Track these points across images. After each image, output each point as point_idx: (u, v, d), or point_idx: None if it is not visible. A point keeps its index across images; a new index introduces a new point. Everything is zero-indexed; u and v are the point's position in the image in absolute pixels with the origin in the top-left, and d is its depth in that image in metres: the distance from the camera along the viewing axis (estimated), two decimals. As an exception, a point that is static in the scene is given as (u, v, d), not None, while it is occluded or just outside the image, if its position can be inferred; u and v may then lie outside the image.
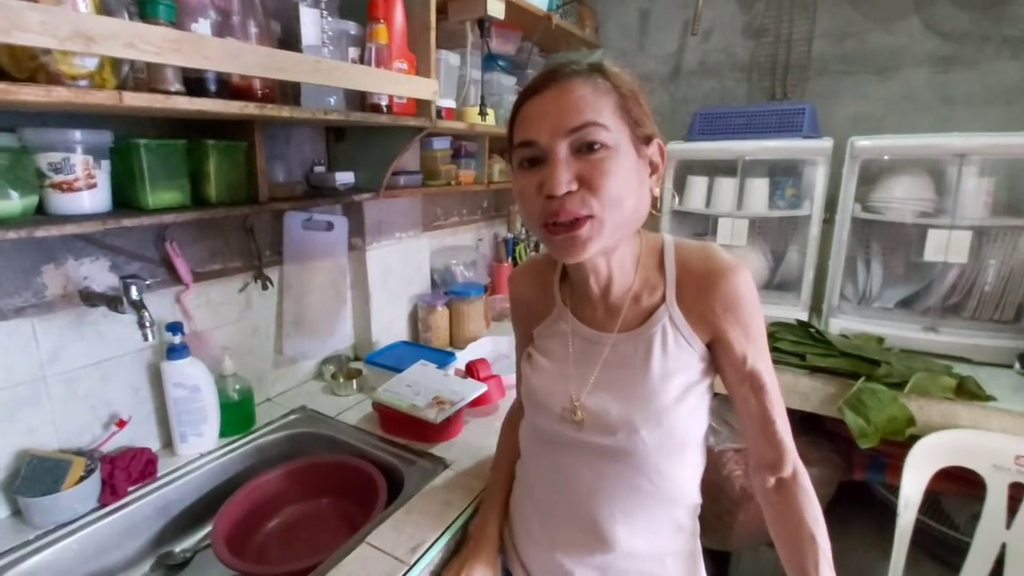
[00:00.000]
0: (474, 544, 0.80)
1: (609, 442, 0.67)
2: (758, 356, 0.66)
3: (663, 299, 0.68)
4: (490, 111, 1.45)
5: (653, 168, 0.66)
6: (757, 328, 0.66)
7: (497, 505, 0.84)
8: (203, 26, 0.80)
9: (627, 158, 0.60)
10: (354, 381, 1.30)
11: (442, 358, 1.35)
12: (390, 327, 1.51)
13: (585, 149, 0.59)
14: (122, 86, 0.72)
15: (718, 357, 0.68)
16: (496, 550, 0.81)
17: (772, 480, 0.69)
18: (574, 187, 0.59)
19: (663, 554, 0.72)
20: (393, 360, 1.32)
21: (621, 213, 0.61)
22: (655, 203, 0.67)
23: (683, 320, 0.67)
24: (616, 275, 0.69)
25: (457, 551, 0.85)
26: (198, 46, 0.70)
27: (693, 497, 0.73)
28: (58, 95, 0.62)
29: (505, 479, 0.86)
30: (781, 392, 0.68)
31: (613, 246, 0.65)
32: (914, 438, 1.14)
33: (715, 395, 0.72)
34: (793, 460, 0.68)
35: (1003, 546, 1.09)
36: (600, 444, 0.68)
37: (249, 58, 0.77)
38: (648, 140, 0.64)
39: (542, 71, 0.63)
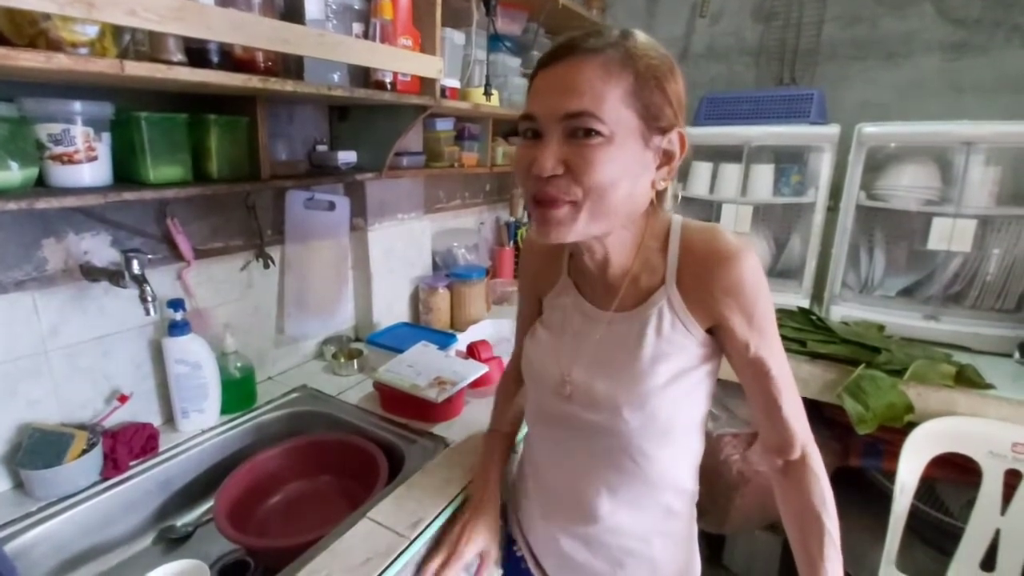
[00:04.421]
0: (475, 506, 0.81)
1: (596, 418, 0.68)
2: (762, 344, 0.64)
3: (663, 281, 0.66)
4: (495, 92, 1.43)
5: (667, 158, 0.62)
6: (762, 314, 0.63)
7: (496, 466, 0.85)
8: (205, -5, 0.78)
9: (624, 149, 0.57)
10: (355, 361, 1.31)
11: (443, 339, 1.35)
12: (391, 308, 1.51)
13: (581, 134, 0.56)
14: (123, 55, 0.71)
15: (722, 342, 0.67)
16: (497, 511, 0.82)
17: (780, 462, 0.70)
18: (560, 171, 0.57)
19: (649, 534, 0.72)
20: (394, 341, 1.32)
21: (606, 203, 0.58)
22: (659, 197, 0.64)
23: (682, 303, 0.65)
24: (613, 256, 0.67)
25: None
26: (201, 15, 0.69)
27: (684, 483, 0.71)
28: (58, 62, 0.61)
29: (501, 439, 0.87)
30: None
31: (599, 233, 0.63)
32: (911, 425, 1.15)
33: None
34: (803, 444, 0.67)
35: (997, 532, 1.10)
36: (588, 420, 0.69)
37: (253, 29, 0.76)
38: (664, 130, 0.60)
39: (565, 38, 0.60)
